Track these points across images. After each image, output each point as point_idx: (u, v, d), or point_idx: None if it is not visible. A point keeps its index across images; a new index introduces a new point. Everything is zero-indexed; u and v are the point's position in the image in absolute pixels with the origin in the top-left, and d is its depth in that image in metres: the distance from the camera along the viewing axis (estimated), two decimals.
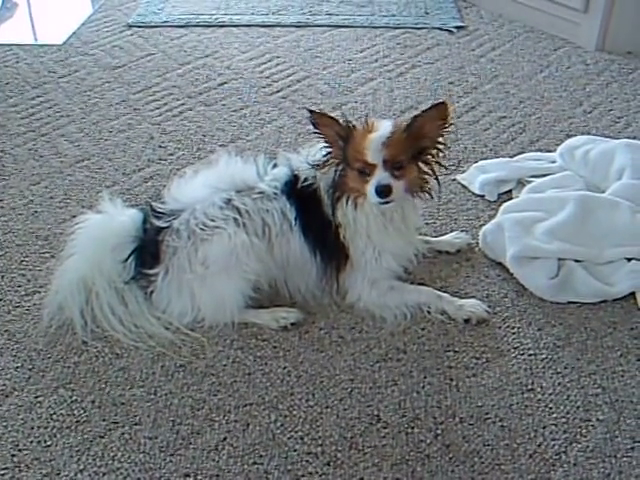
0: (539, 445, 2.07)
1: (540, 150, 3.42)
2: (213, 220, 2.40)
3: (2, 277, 2.68)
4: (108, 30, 4.80)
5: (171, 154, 3.42)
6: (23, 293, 2.61)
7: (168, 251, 2.42)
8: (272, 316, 2.47)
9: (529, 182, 3.07)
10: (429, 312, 2.49)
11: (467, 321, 2.47)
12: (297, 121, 3.69)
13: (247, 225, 2.42)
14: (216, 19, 4.89)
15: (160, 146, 3.49)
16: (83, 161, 3.38)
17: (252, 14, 4.98)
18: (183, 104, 3.87)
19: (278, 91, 4.00)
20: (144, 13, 5.01)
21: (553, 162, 3.21)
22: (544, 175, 3.11)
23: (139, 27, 4.84)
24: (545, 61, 4.35)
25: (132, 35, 4.72)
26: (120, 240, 2.46)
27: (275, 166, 2.54)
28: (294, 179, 2.47)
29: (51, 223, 2.95)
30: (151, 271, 2.45)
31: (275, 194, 2.45)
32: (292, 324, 2.46)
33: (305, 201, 2.46)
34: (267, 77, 4.15)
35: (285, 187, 2.46)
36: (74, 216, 2.86)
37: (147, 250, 2.45)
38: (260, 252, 2.43)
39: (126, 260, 2.44)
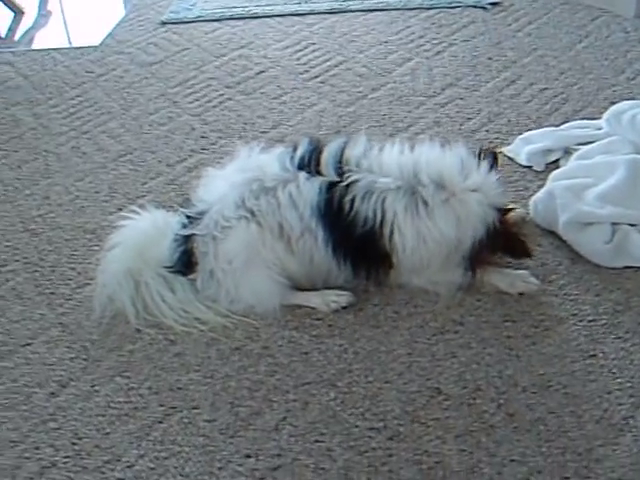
0: (605, 410, 2.03)
1: (584, 119, 3.34)
2: (228, 221, 2.35)
3: (53, 271, 2.69)
4: (142, 29, 4.80)
5: (213, 143, 3.41)
6: (74, 286, 2.61)
7: (200, 257, 2.40)
8: (323, 300, 2.43)
9: (576, 150, 3.01)
10: (483, 286, 2.44)
11: (521, 294, 2.42)
12: (337, 104, 3.66)
13: (261, 222, 2.34)
14: (249, 11, 4.87)
15: (202, 137, 3.48)
16: (126, 155, 3.39)
17: (285, 4, 4.95)
18: (222, 94, 3.86)
19: (316, 76, 3.97)
20: (177, 10, 5.00)
21: (599, 129, 3.14)
22: (591, 142, 3.04)
23: (173, 24, 4.83)
24: (584, 31, 4.27)
25: (166, 32, 4.72)
26: (161, 246, 2.47)
27: (311, 158, 2.37)
28: (327, 200, 2.31)
29: (98, 217, 2.95)
30: (190, 277, 2.45)
31: (294, 204, 2.33)
32: (343, 307, 2.42)
33: (340, 224, 2.31)
34: (304, 64, 4.12)
35: (315, 209, 2.31)
36: (120, 209, 2.91)
37: (183, 259, 2.44)
38: (276, 247, 2.36)
39: (172, 268, 2.45)
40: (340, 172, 2.33)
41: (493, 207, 2.31)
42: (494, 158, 2.44)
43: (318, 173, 2.34)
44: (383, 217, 2.29)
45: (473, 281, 2.42)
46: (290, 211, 2.33)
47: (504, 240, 2.37)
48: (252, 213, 2.34)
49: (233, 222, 2.35)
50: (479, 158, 2.37)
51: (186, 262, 2.43)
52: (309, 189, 2.32)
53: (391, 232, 2.30)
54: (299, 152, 2.40)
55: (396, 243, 2.31)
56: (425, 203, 2.29)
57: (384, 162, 2.36)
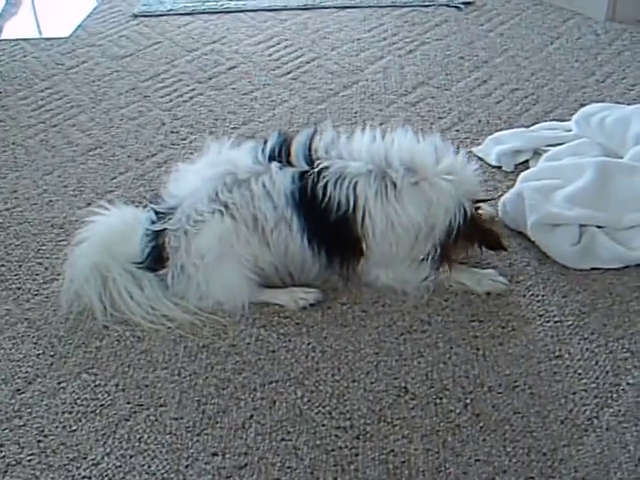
0: (570, 411, 2.04)
1: (554, 120, 3.37)
2: (201, 215, 2.33)
3: (20, 266, 2.66)
4: (114, 21, 4.79)
5: (184, 139, 3.40)
6: (41, 281, 2.59)
7: (171, 252, 2.39)
8: (291, 297, 2.43)
9: (545, 151, 3.03)
10: (451, 285, 2.46)
11: (488, 294, 2.44)
12: (308, 101, 3.66)
13: (235, 216, 2.33)
14: (222, 5, 4.86)
15: (172, 131, 3.47)
16: (95, 149, 3.36)
17: None
18: (193, 89, 3.85)
19: (288, 73, 3.97)
20: (149, 3, 4.99)
21: (568, 131, 3.17)
22: (560, 144, 3.06)
23: (145, 17, 4.82)
24: (555, 33, 4.31)
25: (138, 25, 4.71)
26: (130, 242, 2.46)
27: (281, 150, 2.37)
28: (301, 189, 2.31)
29: (66, 211, 2.93)
30: (161, 273, 2.43)
31: (269, 195, 2.32)
32: (311, 305, 2.42)
33: (314, 212, 2.31)
34: (276, 60, 4.13)
35: (289, 197, 2.31)
36: (89, 203, 2.90)
37: (153, 255, 2.42)
38: (251, 240, 2.36)
39: (142, 263, 2.43)
40: (310, 161, 2.33)
41: (468, 195, 2.33)
42: None
43: (289, 164, 2.35)
44: (355, 202, 2.29)
45: (440, 278, 2.44)
46: (264, 202, 2.32)
47: (480, 230, 2.39)
48: (226, 206, 2.33)
49: (206, 216, 2.33)
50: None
51: (157, 257, 2.42)
52: (282, 179, 2.31)
53: (363, 217, 2.31)
54: (269, 145, 2.40)
55: (367, 227, 2.31)
56: (394, 186, 2.29)
57: (354, 149, 2.37)
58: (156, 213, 2.42)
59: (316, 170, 2.30)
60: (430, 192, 2.29)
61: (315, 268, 2.45)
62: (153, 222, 2.42)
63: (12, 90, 3.94)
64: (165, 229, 2.38)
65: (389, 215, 2.30)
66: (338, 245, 2.38)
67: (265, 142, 2.42)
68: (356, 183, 2.29)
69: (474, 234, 2.38)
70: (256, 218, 2.34)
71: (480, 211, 2.46)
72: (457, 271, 2.46)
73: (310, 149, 2.36)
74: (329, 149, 2.36)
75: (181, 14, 4.82)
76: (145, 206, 2.58)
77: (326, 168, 2.30)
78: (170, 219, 2.38)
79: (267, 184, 2.32)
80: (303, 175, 2.31)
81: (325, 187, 2.29)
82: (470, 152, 3.12)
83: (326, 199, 2.29)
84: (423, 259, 2.39)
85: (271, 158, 2.36)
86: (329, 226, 2.33)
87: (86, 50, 4.37)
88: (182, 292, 2.42)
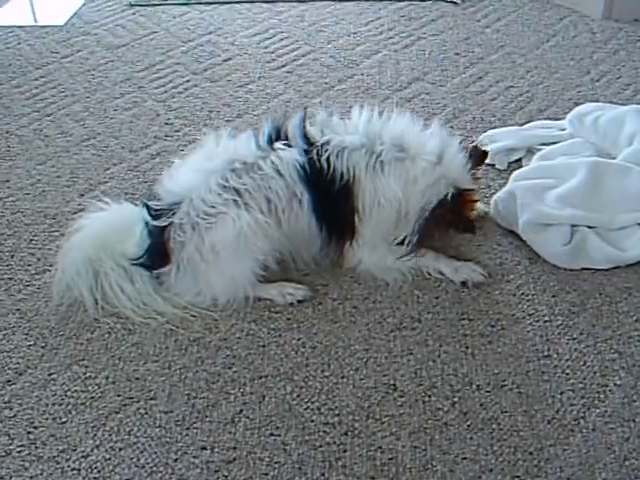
0: (557, 411, 2.06)
1: (549, 118, 3.38)
2: (213, 207, 2.32)
3: (12, 256, 2.66)
4: (110, 10, 4.77)
5: (177, 130, 3.40)
6: (33, 272, 2.59)
7: (176, 247, 2.37)
8: (279, 291, 2.44)
9: (539, 150, 3.04)
10: (429, 274, 2.50)
11: (464, 284, 2.47)
12: (303, 95, 3.67)
13: (249, 204, 2.34)
14: None
15: (166, 123, 3.46)
16: (89, 140, 3.36)
17: None
18: (188, 81, 3.85)
19: (283, 65, 3.98)
20: None
21: (562, 130, 3.18)
22: (554, 143, 3.07)
23: (141, 6, 4.81)
24: (551, 30, 4.31)
25: (134, 14, 4.70)
26: (126, 239, 2.46)
27: (278, 134, 2.43)
28: (309, 161, 2.36)
29: (59, 202, 2.93)
30: (162, 270, 2.42)
31: (279, 173, 2.35)
32: (299, 301, 2.43)
33: (321, 184, 2.37)
34: (272, 52, 4.13)
35: (300, 171, 2.35)
36: (82, 194, 2.91)
37: (154, 252, 2.40)
38: (267, 228, 2.36)
39: (138, 260, 2.42)
40: (308, 141, 2.40)
41: (450, 181, 2.39)
42: (483, 155, 2.62)
43: (288, 146, 2.40)
44: (353, 174, 2.37)
45: (418, 264, 2.49)
46: (276, 181, 2.36)
47: (453, 215, 2.44)
48: (238, 193, 2.34)
49: (220, 208, 2.33)
50: (469, 153, 2.48)
51: (160, 253, 2.39)
52: (290, 155, 2.37)
53: (357, 189, 2.38)
54: (266, 130, 2.44)
55: (358, 199, 2.39)
56: (381, 161, 2.38)
57: (351, 124, 2.47)
58: (154, 210, 2.40)
59: (319, 143, 2.37)
60: (410, 170, 2.38)
61: (316, 244, 2.48)
62: (154, 218, 2.39)
63: (6, 78, 3.93)
64: (169, 225, 2.36)
65: (376, 188, 2.38)
66: (337, 218, 2.44)
67: (261, 129, 2.47)
68: (352, 156, 2.37)
69: (445, 218, 2.43)
70: (269, 200, 2.37)
71: (473, 200, 2.54)
72: (436, 259, 2.51)
73: (305, 129, 2.43)
74: (323, 127, 2.44)
75: (177, 4, 4.81)
76: (139, 199, 2.57)
77: (327, 142, 2.38)
78: (174, 214, 2.36)
79: (276, 162, 2.37)
80: (307, 151, 2.38)
81: (328, 159, 2.36)
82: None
83: (331, 170, 2.35)
84: (402, 242, 2.45)
85: (270, 142, 2.41)
86: (332, 197, 2.39)
87: (81, 39, 4.36)
88: (183, 287, 2.42)
